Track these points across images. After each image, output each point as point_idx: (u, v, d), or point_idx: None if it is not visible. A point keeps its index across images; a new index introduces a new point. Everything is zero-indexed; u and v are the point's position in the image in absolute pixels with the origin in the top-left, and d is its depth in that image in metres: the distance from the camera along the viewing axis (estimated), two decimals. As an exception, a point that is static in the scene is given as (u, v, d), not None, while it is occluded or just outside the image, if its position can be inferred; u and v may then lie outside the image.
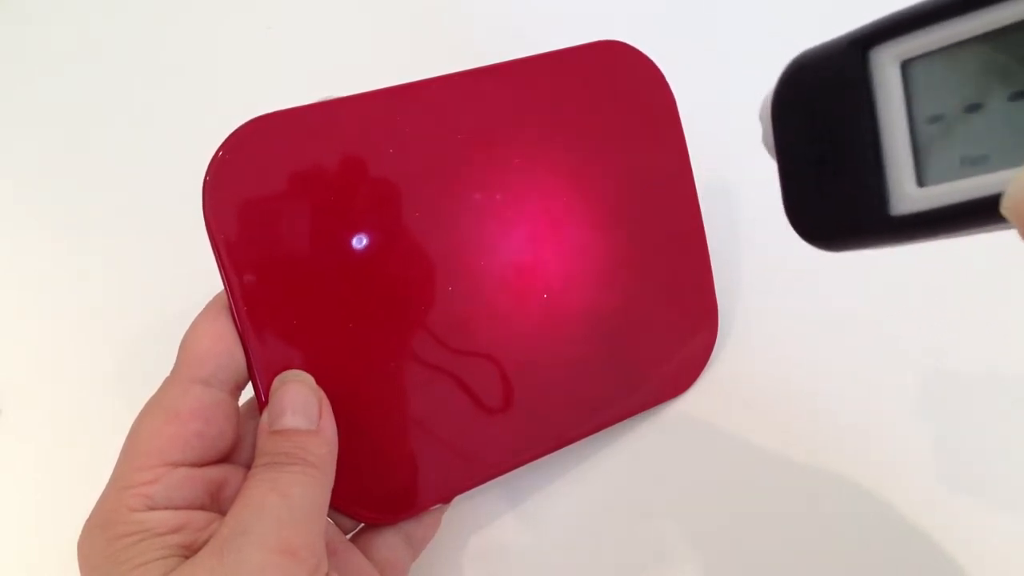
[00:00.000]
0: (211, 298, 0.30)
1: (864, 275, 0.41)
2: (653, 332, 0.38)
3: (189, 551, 0.26)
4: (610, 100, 0.36)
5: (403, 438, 0.32)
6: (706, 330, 0.39)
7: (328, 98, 0.31)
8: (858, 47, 0.20)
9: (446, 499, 0.34)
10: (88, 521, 0.26)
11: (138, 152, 0.49)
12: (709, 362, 0.39)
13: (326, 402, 0.29)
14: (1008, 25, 0.18)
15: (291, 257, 0.30)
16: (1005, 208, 0.17)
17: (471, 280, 0.33)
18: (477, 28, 0.52)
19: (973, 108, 0.19)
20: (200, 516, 0.27)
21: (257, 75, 0.51)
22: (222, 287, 0.29)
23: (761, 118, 0.23)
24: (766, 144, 0.23)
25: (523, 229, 0.34)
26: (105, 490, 0.27)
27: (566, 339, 0.35)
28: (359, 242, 0.31)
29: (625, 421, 0.38)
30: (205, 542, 0.26)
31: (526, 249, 0.34)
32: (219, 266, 0.29)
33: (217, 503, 0.28)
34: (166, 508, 0.26)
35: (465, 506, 0.36)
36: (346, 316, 0.31)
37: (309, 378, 0.29)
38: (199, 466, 0.27)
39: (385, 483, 0.32)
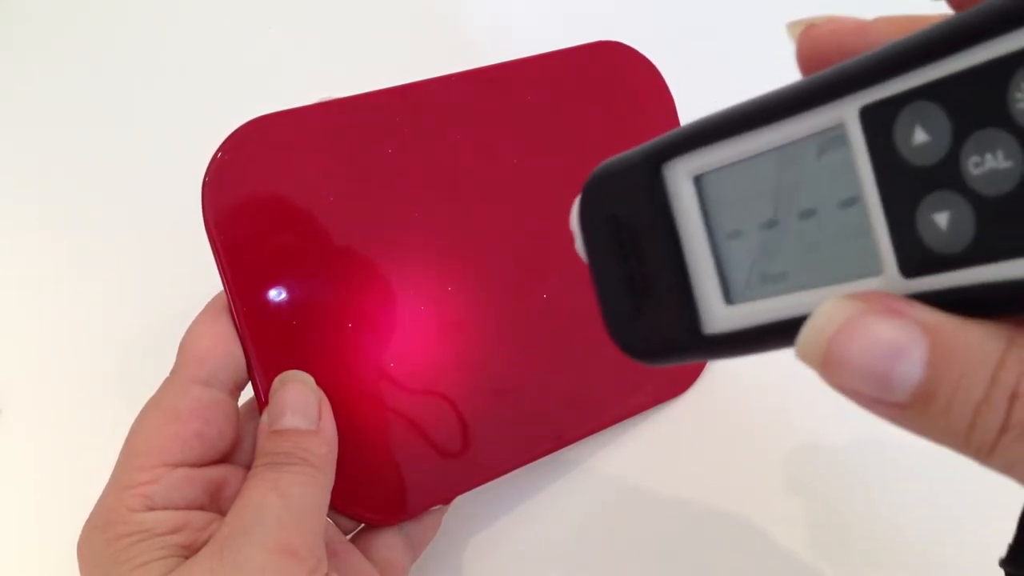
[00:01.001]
0: (211, 298, 0.30)
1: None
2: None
3: (189, 551, 0.26)
4: (608, 100, 0.36)
5: (403, 438, 0.32)
6: (706, 330, 0.39)
7: (327, 99, 0.31)
8: (652, 161, 0.20)
9: (446, 500, 0.34)
10: (88, 521, 0.26)
11: (138, 152, 0.49)
12: (708, 363, 0.39)
13: (326, 402, 0.29)
14: (790, 143, 0.17)
15: (290, 257, 0.30)
16: (799, 352, 0.16)
17: (471, 280, 0.33)
18: (476, 29, 0.52)
19: (769, 225, 0.18)
20: (200, 516, 0.27)
21: (257, 75, 0.51)
22: (221, 287, 0.29)
23: (572, 228, 0.22)
24: (581, 254, 0.22)
25: (522, 229, 0.34)
26: (105, 490, 0.27)
27: (565, 339, 0.35)
28: (358, 242, 0.31)
29: (625, 421, 0.38)
30: (205, 542, 0.26)
31: (525, 250, 0.34)
32: (218, 267, 0.29)
33: (217, 503, 0.28)
34: (166, 508, 0.26)
35: (465, 506, 0.36)
36: (346, 316, 0.31)
37: (309, 378, 0.29)
38: (199, 466, 0.27)
39: (385, 484, 0.32)
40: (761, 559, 0.35)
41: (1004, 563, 0.20)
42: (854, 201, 0.16)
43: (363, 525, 0.33)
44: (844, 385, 0.16)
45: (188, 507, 0.27)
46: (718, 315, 0.19)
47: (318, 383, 0.29)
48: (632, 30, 0.38)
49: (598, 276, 0.22)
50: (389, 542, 0.32)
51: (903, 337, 0.15)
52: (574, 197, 0.35)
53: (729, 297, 0.19)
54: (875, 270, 0.16)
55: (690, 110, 0.37)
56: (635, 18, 0.51)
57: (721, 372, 0.40)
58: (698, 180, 0.19)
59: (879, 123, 0.15)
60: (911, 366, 0.15)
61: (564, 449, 0.36)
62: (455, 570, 0.36)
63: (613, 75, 0.36)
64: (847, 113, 0.16)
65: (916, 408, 0.15)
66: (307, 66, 0.52)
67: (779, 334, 0.17)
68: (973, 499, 0.36)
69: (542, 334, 0.35)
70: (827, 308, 0.16)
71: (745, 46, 0.49)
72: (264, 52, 0.53)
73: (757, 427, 0.38)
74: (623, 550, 0.36)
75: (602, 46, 0.35)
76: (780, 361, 0.40)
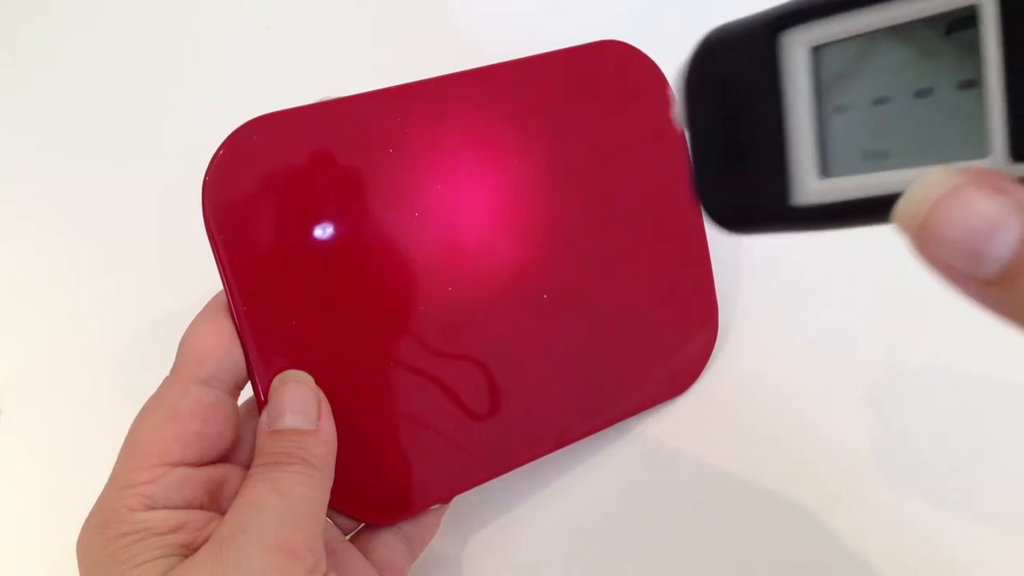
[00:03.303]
0: (210, 298, 0.30)
1: (867, 275, 0.41)
2: (653, 332, 0.38)
3: (188, 550, 0.26)
4: (610, 100, 0.36)
5: (402, 438, 0.32)
6: (706, 330, 0.39)
7: (327, 98, 0.31)
8: (770, 29, 0.20)
9: (445, 499, 0.34)
10: (87, 521, 0.26)
11: (138, 152, 0.49)
12: (709, 362, 0.39)
13: (325, 402, 0.29)
14: (916, 20, 0.17)
15: (290, 257, 0.30)
16: (896, 218, 0.17)
17: (471, 280, 0.33)
18: (476, 28, 0.52)
19: (880, 101, 0.18)
20: (199, 516, 0.27)
21: (257, 75, 0.51)
22: (221, 287, 0.29)
23: (671, 92, 0.23)
24: (676, 120, 0.23)
25: (523, 229, 0.34)
26: (104, 490, 0.27)
27: (565, 339, 0.35)
28: (358, 243, 0.31)
29: (625, 421, 0.38)
30: (204, 541, 0.26)
31: (525, 250, 0.34)
32: (218, 266, 0.29)
33: (216, 503, 0.28)
34: (165, 508, 0.26)
35: (464, 507, 0.36)
36: (345, 316, 0.31)
37: (308, 378, 0.29)
38: (198, 466, 0.27)
39: (384, 483, 0.32)
40: (761, 558, 0.35)
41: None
42: (973, 83, 0.16)
43: (362, 525, 0.33)
44: (935, 256, 0.16)
45: (187, 506, 0.27)
46: (810, 187, 0.19)
47: (317, 383, 0.29)
48: (633, 29, 0.38)
49: (695, 141, 0.22)
50: (388, 542, 0.32)
51: (1001, 213, 0.15)
52: (575, 196, 0.36)
53: (825, 171, 0.19)
54: (980, 153, 0.16)
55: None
56: (636, 17, 0.51)
57: (721, 372, 0.40)
58: (815, 51, 0.19)
59: (1016, 3, 0.15)
60: (1004, 242, 0.15)
61: (564, 449, 0.36)
62: (455, 570, 0.36)
63: (615, 74, 0.36)
64: None
65: (1004, 285, 0.15)
66: (307, 66, 0.52)
67: (870, 210, 0.18)
68: (974, 498, 0.36)
69: (542, 334, 0.35)
70: (932, 177, 0.16)
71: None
72: (264, 52, 0.53)
73: (757, 427, 0.38)
74: (623, 550, 0.36)
75: (604, 45, 0.35)
76: (781, 361, 0.40)
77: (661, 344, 0.38)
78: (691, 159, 0.22)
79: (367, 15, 0.54)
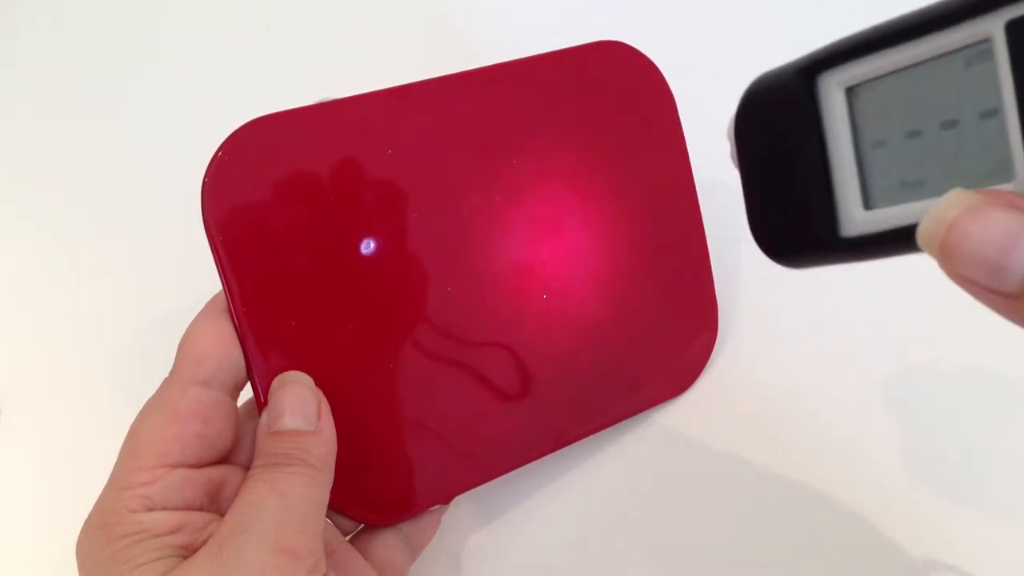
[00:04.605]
0: (210, 299, 0.30)
1: (868, 276, 0.41)
2: (653, 332, 0.38)
3: (188, 551, 0.26)
4: (609, 100, 0.36)
5: (402, 439, 0.32)
6: (706, 330, 0.39)
7: (326, 99, 0.31)
8: (806, 74, 0.21)
9: (444, 500, 0.34)
10: (87, 521, 0.26)
11: (137, 153, 0.49)
12: (709, 362, 0.39)
13: (325, 403, 0.29)
14: (939, 56, 0.18)
15: (290, 258, 0.30)
16: (919, 238, 0.17)
17: (470, 281, 0.33)
18: (476, 29, 0.52)
19: (913, 134, 0.19)
20: (199, 516, 0.27)
21: (256, 76, 0.51)
22: (220, 288, 0.29)
23: (728, 136, 0.24)
24: (734, 161, 0.24)
25: (522, 230, 0.34)
26: (104, 491, 0.27)
27: (565, 340, 0.35)
28: (357, 243, 0.31)
29: (625, 421, 0.38)
30: (204, 542, 0.26)
31: (525, 250, 0.34)
32: (218, 268, 0.29)
33: (216, 504, 0.28)
34: (165, 508, 0.26)
35: (464, 507, 0.36)
36: (345, 317, 0.31)
37: (308, 379, 0.29)
38: (198, 467, 0.27)
39: (383, 484, 0.32)
40: (762, 558, 0.35)
41: None
42: (994, 112, 0.17)
43: (362, 526, 0.33)
44: (959, 273, 0.17)
45: (187, 507, 0.27)
46: (857, 219, 0.21)
47: (317, 384, 0.29)
48: (632, 30, 0.38)
49: (747, 180, 0.24)
50: (388, 542, 0.32)
51: (1019, 227, 0.16)
52: (574, 197, 0.36)
53: (868, 203, 0.21)
54: (1006, 177, 0.17)
55: (691, 109, 0.37)
56: (635, 17, 0.51)
57: (721, 372, 0.40)
58: (849, 91, 0.21)
59: (1023, 37, 0.16)
60: (1023, 256, 0.16)
61: (564, 449, 0.36)
62: (455, 570, 0.36)
63: (614, 75, 0.36)
64: (994, 27, 0.17)
65: None
66: (307, 67, 0.52)
67: (912, 238, 0.18)
68: (975, 497, 0.36)
69: (542, 334, 0.35)
70: (950, 196, 0.17)
71: (745, 45, 0.49)
72: (263, 53, 0.53)
73: (757, 427, 0.38)
74: (624, 549, 0.36)
75: (603, 46, 0.35)
76: (781, 362, 0.40)
77: (661, 344, 0.38)
78: (745, 198, 0.24)
79: (367, 15, 0.54)
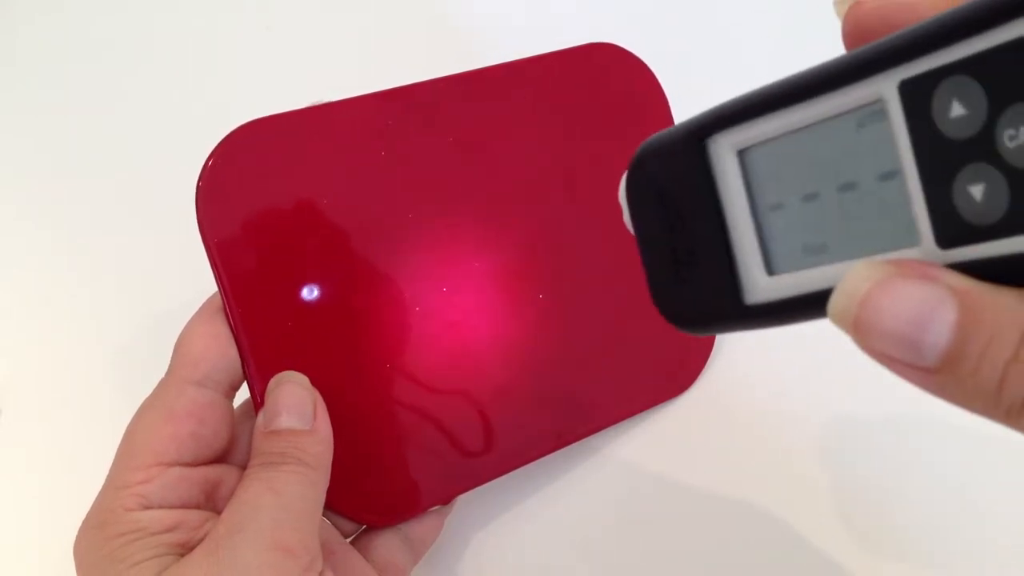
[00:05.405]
0: (206, 299, 0.30)
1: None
2: (652, 332, 0.38)
3: (184, 549, 0.26)
4: (602, 102, 0.36)
5: (400, 439, 0.32)
6: (705, 330, 0.39)
7: (321, 102, 0.31)
8: (696, 137, 0.20)
9: (444, 500, 0.34)
10: (84, 521, 0.27)
11: (135, 153, 0.49)
12: (709, 362, 0.39)
13: (321, 402, 0.29)
14: (830, 117, 0.18)
15: (285, 260, 0.30)
16: (830, 315, 0.16)
17: (467, 280, 0.33)
18: (476, 28, 0.52)
19: (810, 197, 0.18)
20: (195, 515, 0.27)
21: (256, 76, 0.51)
22: (216, 288, 0.29)
23: (620, 200, 0.23)
24: (628, 226, 0.23)
25: (518, 230, 0.34)
26: (101, 490, 0.27)
27: (564, 339, 0.35)
28: (352, 244, 0.31)
29: (624, 422, 0.38)
30: (200, 541, 0.26)
31: (521, 250, 0.34)
32: (213, 269, 0.29)
33: (212, 502, 0.28)
34: (161, 507, 0.26)
35: (464, 507, 0.36)
36: (341, 317, 0.31)
37: (304, 379, 0.29)
38: (194, 466, 0.27)
39: (383, 485, 0.32)
40: (762, 558, 0.35)
41: None
42: (893, 174, 0.17)
43: (363, 527, 0.33)
44: (875, 349, 0.16)
45: (184, 506, 0.27)
46: (760, 285, 0.20)
47: (314, 384, 0.29)
48: (625, 32, 0.38)
49: (644, 247, 0.23)
50: (389, 544, 0.32)
51: (932, 299, 0.15)
52: (568, 198, 0.36)
53: (771, 268, 0.20)
54: (912, 241, 0.16)
55: (684, 110, 0.37)
56: (628, 19, 0.51)
57: (721, 371, 0.40)
58: (741, 154, 0.20)
59: (917, 97, 0.16)
60: (940, 329, 0.15)
61: (564, 449, 0.36)
62: (455, 570, 0.36)
63: (607, 76, 0.36)
64: (886, 87, 0.16)
65: (946, 372, 0.15)
66: (306, 68, 0.52)
67: (819, 304, 0.18)
68: (974, 497, 0.36)
69: (540, 334, 0.35)
70: (858, 271, 0.16)
71: (738, 46, 0.49)
72: (263, 53, 0.53)
73: (758, 427, 0.38)
74: (623, 549, 0.36)
75: (596, 48, 0.35)
76: (780, 362, 0.40)
77: (661, 344, 0.38)
78: (644, 266, 0.23)
79: (367, 15, 0.54)
